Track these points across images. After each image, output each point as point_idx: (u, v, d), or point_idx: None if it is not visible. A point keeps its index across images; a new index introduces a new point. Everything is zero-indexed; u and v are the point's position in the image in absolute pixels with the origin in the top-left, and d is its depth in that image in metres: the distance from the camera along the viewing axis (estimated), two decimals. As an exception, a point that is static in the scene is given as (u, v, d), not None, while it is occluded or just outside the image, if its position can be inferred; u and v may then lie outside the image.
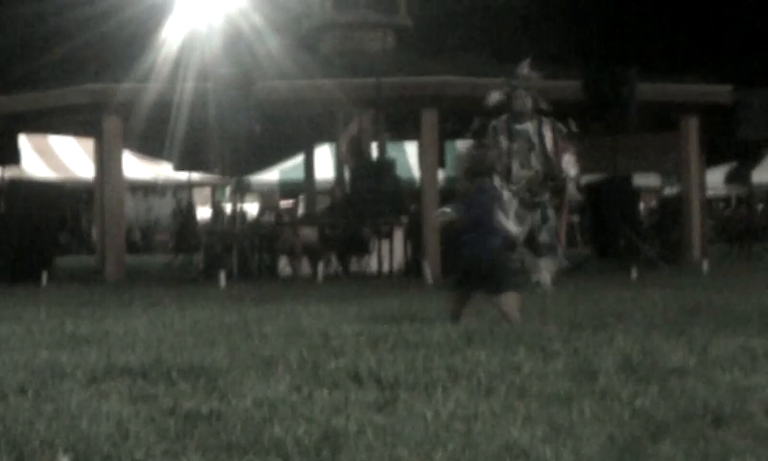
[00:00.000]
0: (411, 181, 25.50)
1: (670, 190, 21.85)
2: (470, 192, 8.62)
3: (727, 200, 41.69)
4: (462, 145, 29.67)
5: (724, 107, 19.34)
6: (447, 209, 8.80)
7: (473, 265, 8.44)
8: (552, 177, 13.49)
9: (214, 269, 17.07)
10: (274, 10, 23.58)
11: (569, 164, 13.46)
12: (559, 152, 13.51)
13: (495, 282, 8.47)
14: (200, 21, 23.14)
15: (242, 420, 4.95)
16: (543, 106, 13.62)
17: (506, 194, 13.24)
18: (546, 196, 13.50)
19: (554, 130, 13.61)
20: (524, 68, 13.70)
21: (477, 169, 8.64)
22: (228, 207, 20.53)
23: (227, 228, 19.88)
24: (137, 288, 15.41)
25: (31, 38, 39.34)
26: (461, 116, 17.63)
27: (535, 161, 13.48)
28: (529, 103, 13.57)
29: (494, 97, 13.62)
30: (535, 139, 13.49)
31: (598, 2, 37.86)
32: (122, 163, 19.09)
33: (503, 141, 13.58)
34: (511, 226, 12.92)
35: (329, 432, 4.69)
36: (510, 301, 8.49)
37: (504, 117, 13.60)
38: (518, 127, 13.51)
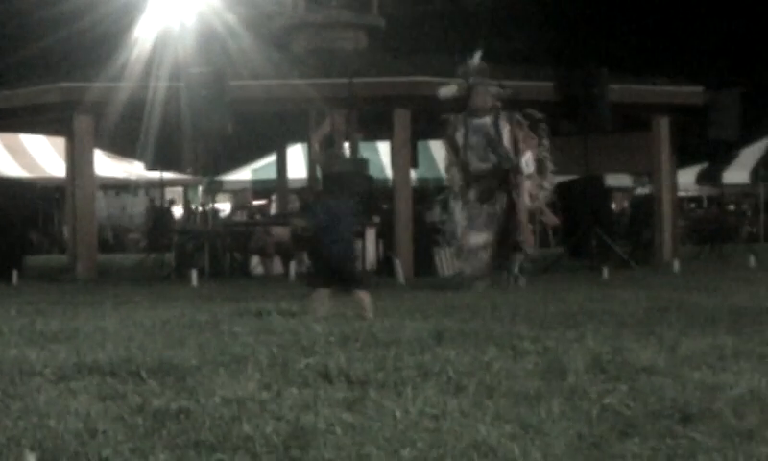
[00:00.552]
0: (383, 181, 25.52)
1: (642, 190, 21.87)
2: (326, 199, 9.60)
3: (698, 200, 41.86)
4: (434, 145, 29.81)
5: (695, 107, 19.40)
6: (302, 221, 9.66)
7: (334, 265, 9.26)
8: (512, 170, 13.52)
9: (186, 268, 17.03)
10: (246, 8, 23.56)
11: (528, 163, 13.48)
12: (520, 147, 13.53)
13: (354, 280, 9.41)
14: (172, 20, 23.11)
15: (211, 418, 4.94)
16: (504, 98, 13.68)
17: (472, 198, 13.32)
18: (503, 196, 13.53)
19: (512, 122, 13.64)
20: (476, 60, 13.73)
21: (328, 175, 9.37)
22: (199, 206, 20.48)
23: (198, 226, 19.83)
24: (109, 287, 15.35)
25: (2, 36, 39.16)
26: (432, 116, 17.62)
27: (492, 155, 13.53)
28: (488, 99, 13.62)
29: (445, 92, 13.68)
30: (492, 133, 13.54)
31: (569, 2, 37.94)
32: (93, 162, 19.01)
33: (460, 137, 13.65)
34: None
35: (298, 430, 4.69)
36: (365, 297, 9.26)
37: (462, 113, 13.68)
38: (476, 121, 13.58)
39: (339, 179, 9.94)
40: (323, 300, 9.30)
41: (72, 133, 19.56)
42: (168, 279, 17.29)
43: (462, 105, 13.78)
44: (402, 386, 5.66)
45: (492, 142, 13.48)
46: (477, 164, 13.54)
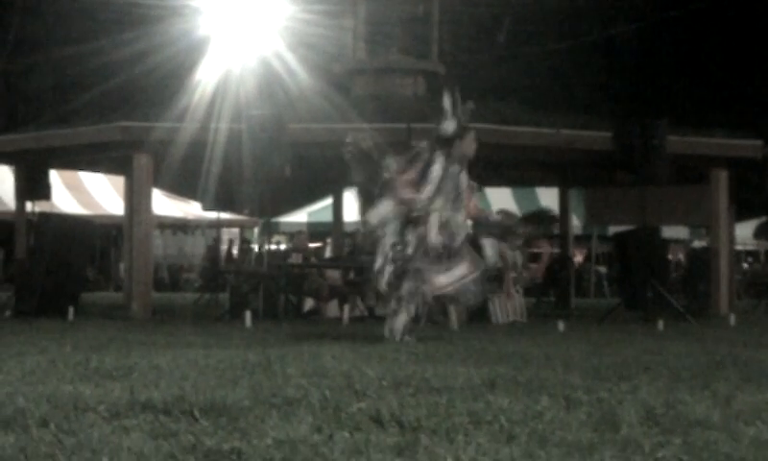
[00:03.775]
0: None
1: (699, 243, 21.76)
2: None
3: (755, 254, 41.52)
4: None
5: (754, 160, 19.30)
6: None
7: None
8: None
9: (240, 308, 17.10)
10: (307, 51, 23.74)
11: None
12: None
13: None
14: (234, 62, 23.31)
15: (262, 459, 4.95)
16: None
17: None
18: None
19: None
20: (471, 105, 13.15)
21: None
22: (256, 247, 20.58)
23: (254, 267, 19.91)
24: (163, 325, 15.45)
25: (67, 80, 39.73)
26: (489, 163, 17.61)
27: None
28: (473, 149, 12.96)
29: (450, 127, 12.95)
30: (463, 187, 12.97)
31: (629, 53, 37.90)
32: (151, 201, 19.18)
33: (437, 170, 12.90)
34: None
35: (349, 474, 4.69)
36: None
37: (440, 151, 12.77)
38: (452, 168, 12.94)
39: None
40: None
41: (131, 172, 19.77)
42: (222, 319, 17.36)
43: (443, 144, 12.85)
44: (454, 433, 5.64)
45: (460, 197, 12.92)
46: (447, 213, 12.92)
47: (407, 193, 12.70)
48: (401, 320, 12.48)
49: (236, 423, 5.87)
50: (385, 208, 12.77)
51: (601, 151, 18.40)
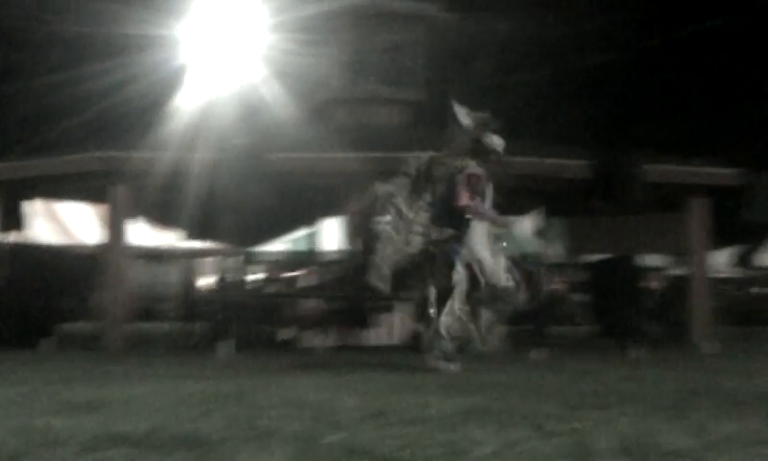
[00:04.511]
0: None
1: (675, 271, 21.82)
2: None
3: (731, 282, 41.63)
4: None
5: (730, 189, 19.37)
6: None
7: None
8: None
9: (214, 338, 17.05)
10: (288, 80, 23.74)
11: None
12: None
13: None
14: (214, 91, 23.29)
15: (234, 492, 4.92)
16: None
17: None
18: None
19: None
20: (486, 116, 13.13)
21: None
22: (231, 277, 20.52)
23: (229, 297, 19.85)
24: (138, 356, 15.38)
25: (45, 109, 39.64)
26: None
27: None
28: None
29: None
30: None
31: (606, 83, 38.04)
32: (127, 231, 19.12)
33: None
34: None
35: (320, 507, 4.66)
36: None
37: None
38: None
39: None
40: None
41: (109, 202, 19.71)
42: (197, 349, 17.30)
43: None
44: (425, 465, 5.62)
45: None
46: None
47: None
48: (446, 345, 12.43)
49: (210, 455, 5.83)
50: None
51: (580, 180, 18.45)
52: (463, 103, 13.26)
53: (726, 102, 39.64)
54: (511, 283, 12.71)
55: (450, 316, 12.49)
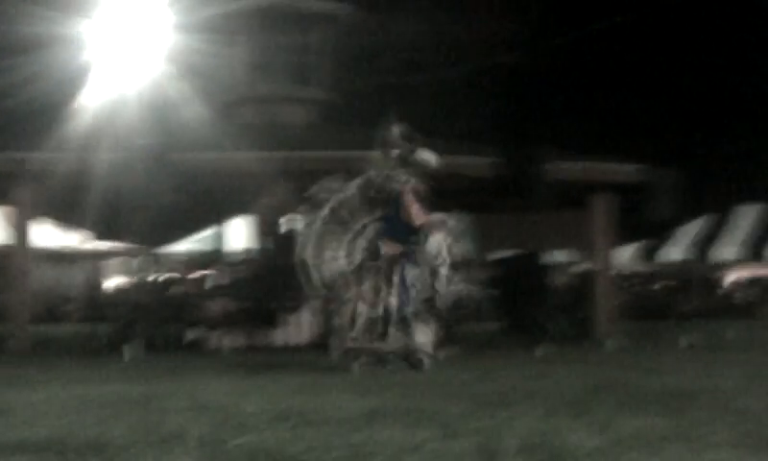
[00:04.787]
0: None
1: (580, 267, 22.05)
2: None
3: (635, 277, 42.16)
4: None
5: (633, 186, 19.59)
6: None
7: None
8: None
9: (120, 340, 16.90)
10: (194, 80, 23.57)
11: None
12: None
13: None
14: (120, 90, 23.05)
15: (137, 498, 4.89)
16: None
17: None
18: None
19: None
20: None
21: None
22: (137, 278, 20.39)
23: (135, 298, 19.71)
24: (43, 359, 15.19)
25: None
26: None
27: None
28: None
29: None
30: None
31: (512, 82, 38.31)
32: (30, 232, 18.87)
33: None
34: None
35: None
36: None
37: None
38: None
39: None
40: None
41: (12, 203, 19.44)
42: (103, 351, 17.14)
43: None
44: (333, 467, 5.63)
45: None
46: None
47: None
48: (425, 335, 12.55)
49: (109, 460, 5.78)
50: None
51: (485, 177, 18.55)
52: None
53: (630, 100, 40.13)
54: (462, 290, 12.96)
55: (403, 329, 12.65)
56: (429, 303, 12.78)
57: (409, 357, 12.61)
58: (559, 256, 29.50)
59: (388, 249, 12.82)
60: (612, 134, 36.29)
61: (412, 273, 12.68)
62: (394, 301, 12.70)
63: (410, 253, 12.76)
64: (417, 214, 12.84)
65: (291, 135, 19.43)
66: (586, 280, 20.34)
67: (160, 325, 18.00)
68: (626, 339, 18.19)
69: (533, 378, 10.79)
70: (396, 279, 12.76)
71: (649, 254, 36.00)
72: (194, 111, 20.94)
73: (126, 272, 37.16)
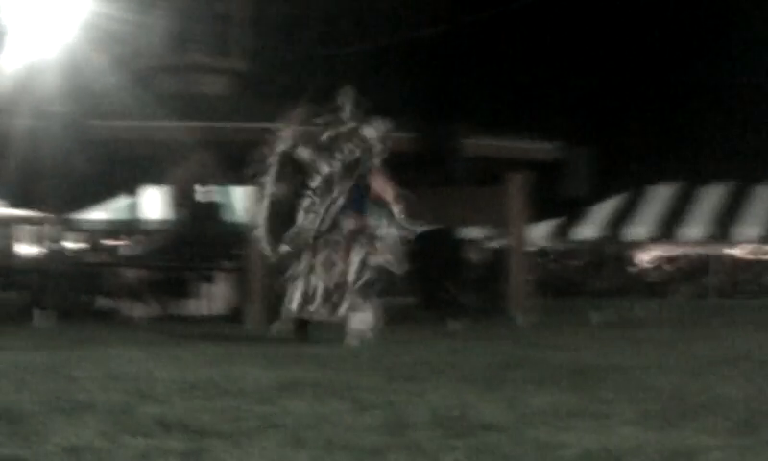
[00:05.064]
0: (238, 226, 25.40)
1: (495, 243, 22.19)
2: None
3: (548, 254, 42.51)
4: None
5: (548, 164, 19.72)
6: None
7: None
8: None
9: (32, 308, 16.75)
10: (110, 47, 23.32)
11: None
12: None
13: None
14: (35, 57, 22.74)
15: (44, 466, 4.85)
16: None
17: None
18: None
19: None
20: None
21: None
22: (50, 246, 20.18)
23: (47, 266, 19.52)
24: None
25: None
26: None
27: None
28: None
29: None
30: None
31: (432, 56, 38.39)
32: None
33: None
34: None
35: (132, 481, 4.63)
36: None
37: None
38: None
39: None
40: None
41: None
42: (13, 319, 16.96)
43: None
44: (242, 438, 5.61)
45: None
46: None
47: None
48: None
49: (18, 428, 5.73)
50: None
51: (403, 152, 18.58)
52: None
53: (545, 78, 40.37)
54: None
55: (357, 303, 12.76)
56: (374, 280, 12.90)
57: (348, 333, 12.71)
58: (474, 232, 29.69)
59: (350, 223, 12.87)
60: (527, 112, 36.52)
61: (369, 249, 12.79)
62: (351, 275, 12.77)
63: (372, 229, 12.85)
64: (385, 190, 12.97)
65: (209, 106, 19.31)
66: (500, 257, 20.47)
67: (72, 293, 17.85)
68: (539, 315, 18.35)
69: (445, 353, 10.86)
70: (354, 254, 12.82)
71: (563, 231, 36.30)
72: (111, 80, 20.74)
73: (39, 240, 36.81)
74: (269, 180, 13.18)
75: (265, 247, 13.05)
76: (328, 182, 13.12)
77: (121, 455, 5.11)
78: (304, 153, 13.21)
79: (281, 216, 13.09)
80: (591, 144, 20.69)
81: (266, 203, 13.12)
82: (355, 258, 12.89)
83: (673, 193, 36.53)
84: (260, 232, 13.07)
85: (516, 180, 19.99)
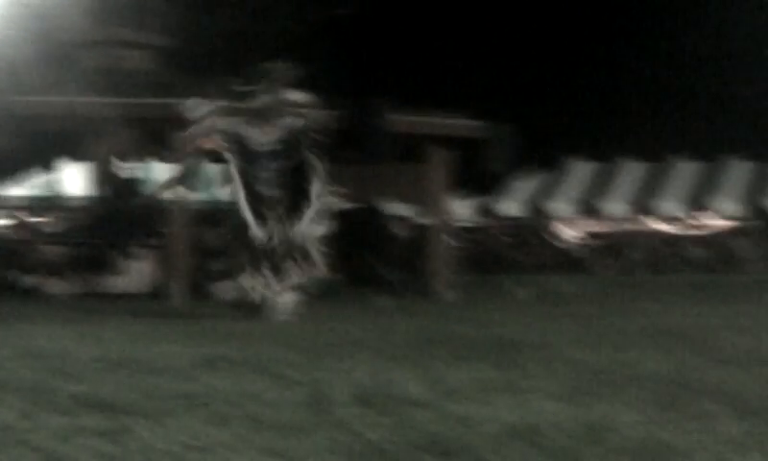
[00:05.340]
0: (161, 203, 25.21)
1: (419, 220, 22.20)
2: None
3: (473, 230, 42.66)
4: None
5: (471, 140, 19.78)
6: None
7: None
8: None
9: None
10: (32, 21, 23.01)
11: None
12: None
13: None
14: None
15: (-38, 448, 4.81)
16: None
17: None
18: None
19: None
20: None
21: None
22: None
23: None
24: None
25: None
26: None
27: None
28: None
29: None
30: None
31: (352, 33, 38.34)
32: None
33: None
34: None
35: (53, 461, 4.60)
36: None
37: None
38: None
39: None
40: None
41: None
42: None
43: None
44: (167, 416, 5.59)
45: None
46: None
47: None
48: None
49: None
50: None
51: (326, 129, 18.55)
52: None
53: (466, 53, 40.47)
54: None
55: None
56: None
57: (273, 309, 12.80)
58: (398, 209, 29.74)
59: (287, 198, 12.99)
60: (450, 89, 36.60)
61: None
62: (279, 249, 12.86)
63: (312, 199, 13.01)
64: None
65: (131, 81, 19.15)
66: (423, 233, 20.50)
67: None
68: (462, 292, 18.42)
69: (368, 330, 10.88)
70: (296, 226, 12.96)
71: (487, 208, 36.47)
72: (31, 54, 20.48)
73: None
74: (231, 160, 13.19)
75: (254, 229, 13.03)
76: (272, 153, 13.18)
77: (41, 435, 5.08)
78: (238, 126, 13.21)
79: (253, 194, 13.12)
80: (513, 121, 20.79)
81: (240, 183, 13.12)
82: (287, 232, 12.97)
83: (595, 169, 36.84)
84: (247, 215, 13.06)
85: (437, 156, 20.01)
